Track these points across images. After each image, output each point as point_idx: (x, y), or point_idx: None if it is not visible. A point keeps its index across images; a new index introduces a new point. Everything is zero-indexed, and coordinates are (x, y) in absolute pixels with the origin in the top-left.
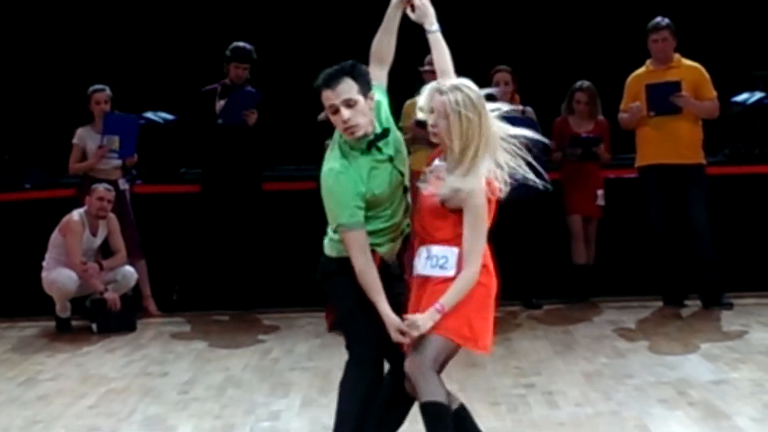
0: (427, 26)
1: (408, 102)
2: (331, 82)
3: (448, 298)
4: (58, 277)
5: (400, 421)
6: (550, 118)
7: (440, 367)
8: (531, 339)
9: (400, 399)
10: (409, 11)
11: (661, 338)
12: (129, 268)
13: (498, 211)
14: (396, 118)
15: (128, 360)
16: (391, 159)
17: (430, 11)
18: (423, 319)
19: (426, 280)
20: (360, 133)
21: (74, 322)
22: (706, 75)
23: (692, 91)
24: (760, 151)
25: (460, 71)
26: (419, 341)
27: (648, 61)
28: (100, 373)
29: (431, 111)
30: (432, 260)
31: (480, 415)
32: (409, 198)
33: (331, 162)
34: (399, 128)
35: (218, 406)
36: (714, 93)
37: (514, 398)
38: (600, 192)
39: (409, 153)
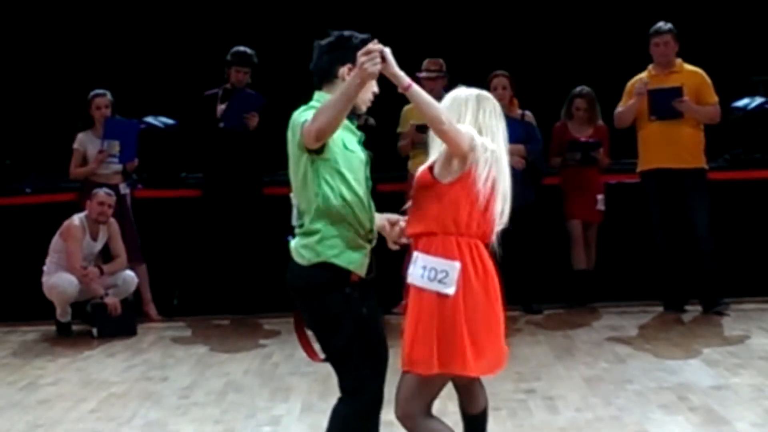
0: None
1: (406, 107)
2: None
3: (421, 95)
4: (59, 281)
5: None
6: (550, 123)
7: (433, 398)
8: (531, 344)
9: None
10: None
11: (661, 343)
12: (129, 273)
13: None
14: (395, 123)
15: (129, 365)
16: (360, 140)
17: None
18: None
19: (421, 290)
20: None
21: (75, 327)
22: (708, 80)
23: (694, 96)
24: (761, 156)
25: (459, 76)
26: (401, 386)
27: (650, 66)
28: (101, 377)
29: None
30: (430, 273)
31: None
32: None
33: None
34: (397, 133)
35: (219, 411)
36: (715, 98)
37: (514, 403)
38: (600, 197)
39: (409, 158)
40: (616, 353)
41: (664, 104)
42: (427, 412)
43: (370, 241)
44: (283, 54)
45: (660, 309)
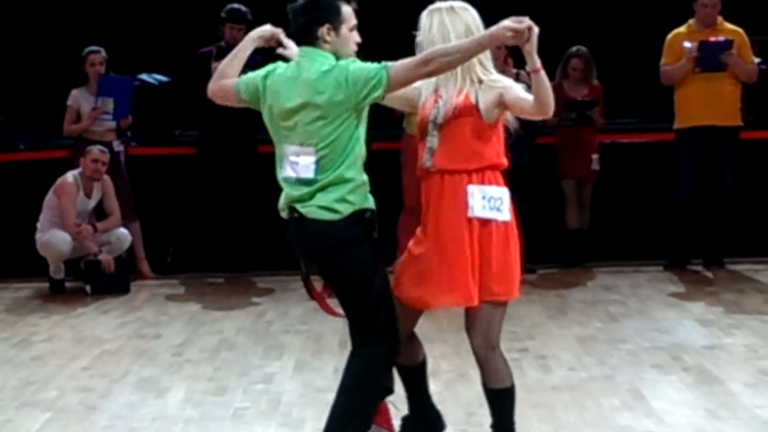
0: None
1: None
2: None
3: (546, 81)
4: (52, 238)
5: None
6: None
7: None
8: (525, 303)
9: None
10: None
11: (655, 303)
12: (123, 230)
13: None
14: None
15: (122, 322)
16: None
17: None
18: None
19: (487, 222)
20: None
21: (68, 284)
22: (747, 39)
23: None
24: (755, 117)
25: None
26: (481, 318)
27: (690, 21)
28: (94, 334)
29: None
30: (490, 202)
31: (473, 379)
32: None
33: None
34: None
35: (212, 369)
36: (753, 57)
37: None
38: (595, 156)
39: (404, 116)
40: (609, 313)
41: (712, 57)
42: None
43: None
44: (278, 11)
45: (653, 269)
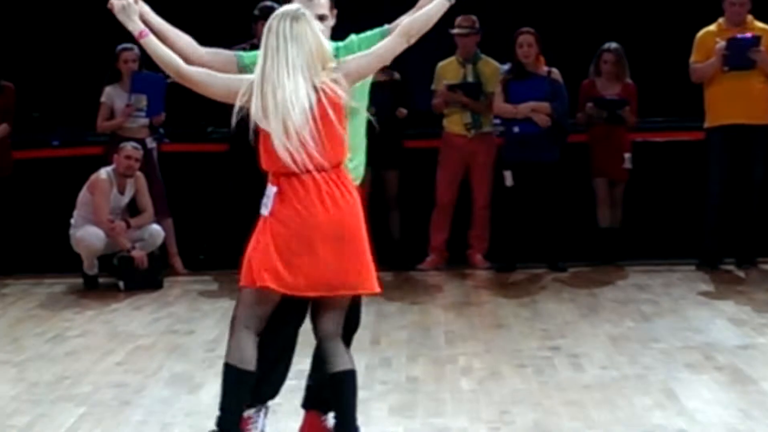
0: None
1: (440, 64)
2: None
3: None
4: (86, 234)
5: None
6: (578, 81)
7: (257, 316)
8: (557, 302)
9: None
10: None
11: (687, 302)
12: (156, 227)
13: (523, 174)
14: (429, 80)
15: (155, 317)
16: None
17: None
18: None
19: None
20: None
21: (102, 280)
22: None
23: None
24: None
25: (484, 34)
26: None
27: (720, 20)
28: (128, 330)
29: None
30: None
31: (506, 377)
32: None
33: None
34: (431, 91)
35: None
36: None
37: (539, 360)
38: (627, 155)
39: (444, 116)
40: (641, 312)
41: (740, 54)
42: (248, 326)
43: None
44: None
45: (686, 267)
